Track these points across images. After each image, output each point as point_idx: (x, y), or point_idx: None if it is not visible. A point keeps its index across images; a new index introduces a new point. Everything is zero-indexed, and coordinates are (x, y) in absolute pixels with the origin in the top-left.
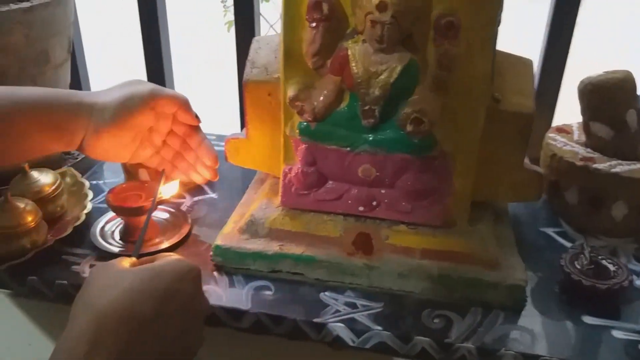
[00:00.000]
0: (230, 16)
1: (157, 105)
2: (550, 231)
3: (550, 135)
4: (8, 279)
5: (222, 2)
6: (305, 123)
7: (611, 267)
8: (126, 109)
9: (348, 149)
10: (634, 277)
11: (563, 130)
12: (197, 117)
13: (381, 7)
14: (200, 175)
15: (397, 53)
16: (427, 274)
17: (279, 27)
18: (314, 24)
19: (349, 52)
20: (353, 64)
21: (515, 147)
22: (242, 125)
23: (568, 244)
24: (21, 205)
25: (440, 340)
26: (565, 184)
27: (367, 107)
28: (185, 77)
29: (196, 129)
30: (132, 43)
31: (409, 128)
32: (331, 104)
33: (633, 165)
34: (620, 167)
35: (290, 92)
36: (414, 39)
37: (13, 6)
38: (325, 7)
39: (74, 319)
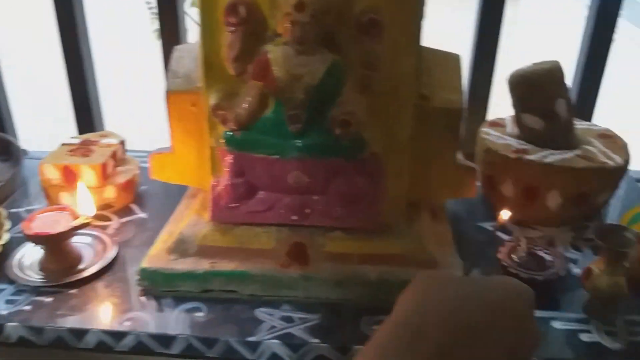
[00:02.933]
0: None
1: None
2: (488, 225)
3: (484, 129)
4: None
5: (149, 9)
6: (230, 132)
7: (548, 258)
8: None
9: (277, 156)
10: (571, 265)
11: (496, 124)
12: None
13: (299, 7)
14: None
15: (319, 54)
16: (364, 279)
17: None
18: (232, 28)
19: (270, 56)
20: (275, 68)
21: (446, 143)
22: None
23: (507, 238)
24: None
25: None
26: (500, 177)
27: (292, 112)
28: (114, 92)
29: None
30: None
31: (338, 131)
32: (255, 111)
33: (565, 155)
34: (552, 157)
35: (212, 100)
36: (336, 39)
37: None
38: (242, 10)
39: (398, 310)
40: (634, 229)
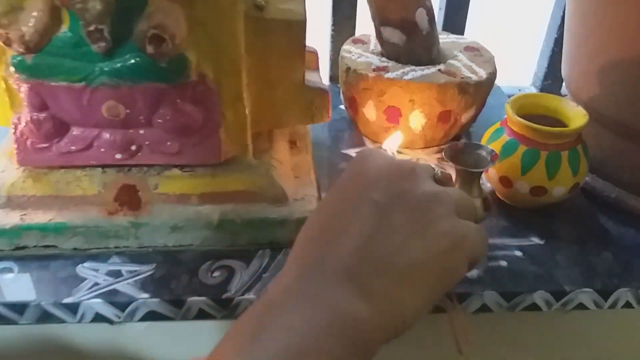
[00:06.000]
0: None
1: None
2: (353, 152)
3: (345, 47)
4: None
5: None
6: (19, 57)
7: None
8: None
9: (82, 83)
10: None
11: (359, 41)
12: None
13: None
14: None
15: None
16: (205, 221)
17: None
18: None
19: None
20: None
21: (289, 62)
22: None
23: None
24: None
25: (217, 297)
26: (361, 99)
27: (92, 28)
28: None
29: None
30: None
31: (150, 49)
32: (47, 28)
33: (426, 70)
34: (413, 73)
35: None
36: None
37: None
38: None
39: (339, 181)
40: (489, 147)
